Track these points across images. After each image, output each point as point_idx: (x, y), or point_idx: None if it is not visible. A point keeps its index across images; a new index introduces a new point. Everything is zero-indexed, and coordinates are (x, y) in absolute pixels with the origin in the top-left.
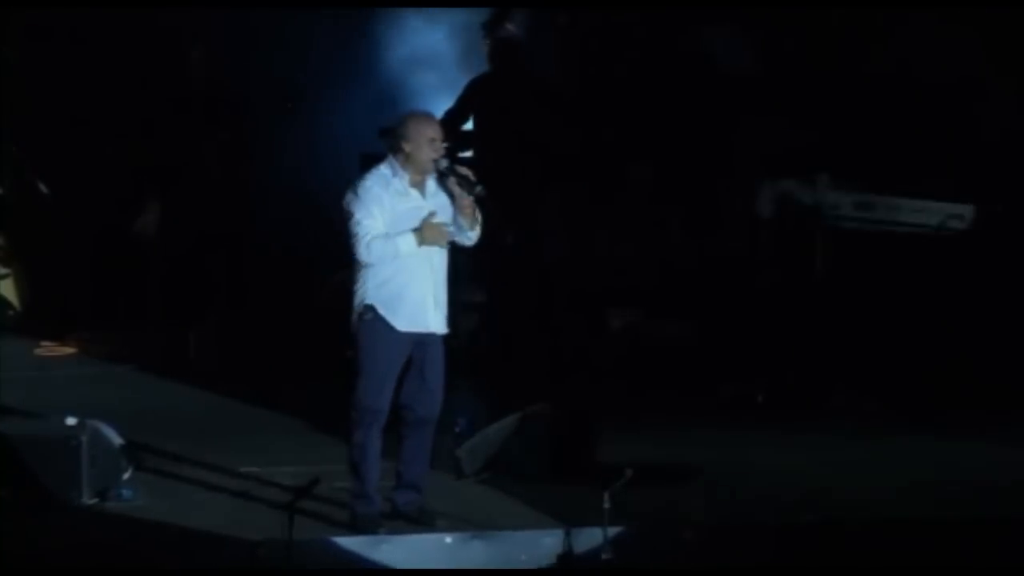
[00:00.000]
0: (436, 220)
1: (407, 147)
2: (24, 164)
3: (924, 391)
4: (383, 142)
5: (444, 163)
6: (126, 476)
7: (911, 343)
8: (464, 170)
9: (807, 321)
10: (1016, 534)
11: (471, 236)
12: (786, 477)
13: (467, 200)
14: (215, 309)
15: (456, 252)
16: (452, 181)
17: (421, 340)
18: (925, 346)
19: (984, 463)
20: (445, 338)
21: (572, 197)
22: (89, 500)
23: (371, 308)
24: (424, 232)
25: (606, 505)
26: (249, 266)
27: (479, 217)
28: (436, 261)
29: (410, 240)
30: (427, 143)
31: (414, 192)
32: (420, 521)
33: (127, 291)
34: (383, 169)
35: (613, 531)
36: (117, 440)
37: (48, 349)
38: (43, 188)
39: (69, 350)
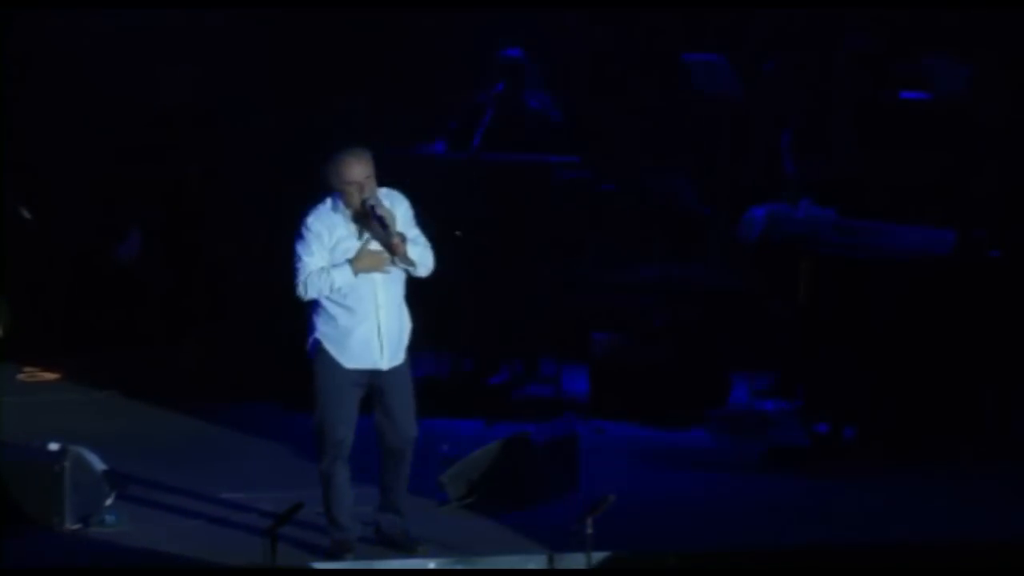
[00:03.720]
0: (372, 248)
1: (336, 187)
2: (5, 189)
3: (908, 421)
4: None
5: (371, 202)
6: (109, 502)
7: (897, 370)
8: (383, 211)
9: (790, 347)
10: None
11: (415, 271)
12: (771, 503)
13: (394, 239)
14: (197, 334)
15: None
16: (373, 222)
17: (377, 372)
18: (913, 376)
19: (966, 497)
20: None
21: (558, 221)
22: (72, 526)
23: (319, 343)
24: (360, 260)
25: (589, 531)
26: (231, 291)
27: (414, 258)
28: (383, 297)
29: (345, 271)
30: (346, 185)
31: (354, 227)
32: (403, 546)
33: (109, 316)
34: (327, 203)
35: (596, 556)
36: (100, 466)
37: (30, 375)
38: (25, 213)
39: (51, 376)
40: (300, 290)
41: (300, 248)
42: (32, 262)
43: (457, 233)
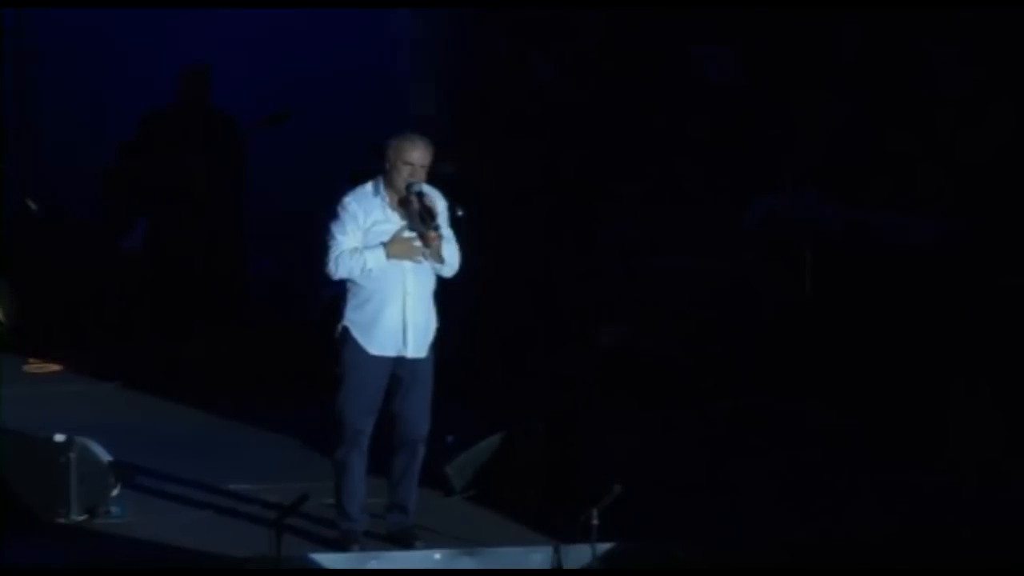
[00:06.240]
0: (407, 235)
1: (387, 167)
2: (13, 181)
3: (910, 412)
4: (374, 160)
5: (416, 188)
6: (114, 493)
7: (901, 361)
8: (430, 201)
9: (794, 338)
10: None
11: (440, 269)
12: (777, 494)
13: (430, 230)
14: (204, 325)
15: None
16: (415, 209)
17: (401, 361)
18: (916, 366)
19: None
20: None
21: (559, 211)
22: (78, 517)
23: (347, 329)
24: (394, 246)
25: (595, 522)
26: (239, 282)
27: (445, 256)
28: (411, 285)
29: (378, 254)
30: (403, 166)
31: (393, 213)
32: (400, 541)
33: (116, 307)
34: (367, 187)
35: (602, 548)
36: (106, 457)
37: (36, 366)
38: (32, 205)
39: (57, 367)
40: (331, 267)
41: (335, 227)
42: (38, 252)
43: (459, 212)
